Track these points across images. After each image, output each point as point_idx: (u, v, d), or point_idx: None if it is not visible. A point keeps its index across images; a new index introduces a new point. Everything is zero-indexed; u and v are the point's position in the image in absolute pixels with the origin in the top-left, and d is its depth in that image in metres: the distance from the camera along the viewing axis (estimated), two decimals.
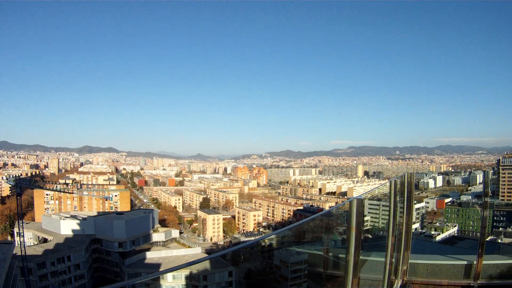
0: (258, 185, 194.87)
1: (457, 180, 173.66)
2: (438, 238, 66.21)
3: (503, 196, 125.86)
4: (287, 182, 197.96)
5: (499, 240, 68.11)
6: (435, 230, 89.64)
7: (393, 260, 5.48)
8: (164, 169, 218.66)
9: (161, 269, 42.08)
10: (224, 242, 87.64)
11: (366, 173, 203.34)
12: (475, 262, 5.70)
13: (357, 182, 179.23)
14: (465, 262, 5.83)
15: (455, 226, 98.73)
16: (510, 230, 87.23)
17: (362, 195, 4.07)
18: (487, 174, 6.05)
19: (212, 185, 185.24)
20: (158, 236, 67.70)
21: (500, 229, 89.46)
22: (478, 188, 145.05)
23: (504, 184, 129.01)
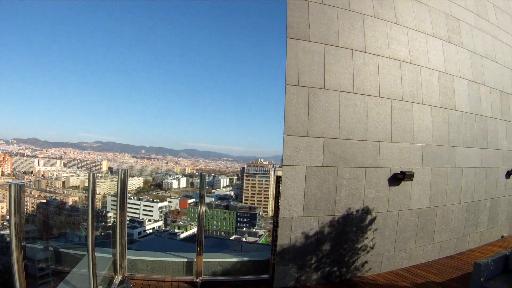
0: (3, 173, 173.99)
1: None
2: (182, 236, 65.99)
3: (247, 200, 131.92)
4: (32, 172, 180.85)
5: (244, 239, 70.40)
6: (179, 228, 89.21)
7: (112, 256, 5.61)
8: None
9: None
10: None
11: (110, 169, 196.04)
12: (195, 260, 5.88)
13: (101, 177, 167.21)
14: (186, 260, 6.00)
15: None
16: (253, 230, 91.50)
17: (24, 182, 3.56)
18: (203, 178, 6.21)
19: None
20: None
21: (244, 229, 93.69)
22: (222, 191, 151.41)
23: (248, 189, 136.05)
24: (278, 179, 5.91)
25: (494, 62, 9.19)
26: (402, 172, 6.63)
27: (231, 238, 70.55)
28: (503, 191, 9.43)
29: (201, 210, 6.06)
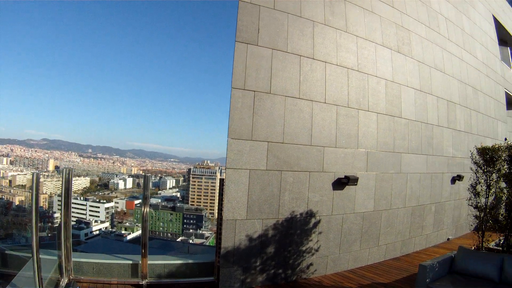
0: None
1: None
2: (129, 237, 66.64)
3: (193, 201, 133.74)
4: None
5: (191, 241, 70.94)
6: (126, 229, 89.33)
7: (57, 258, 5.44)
8: None
9: None
10: None
11: (57, 168, 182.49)
12: (140, 262, 5.77)
13: (47, 176, 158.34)
14: (131, 262, 5.88)
15: None
16: (200, 232, 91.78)
17: None
18: (147, 179, 6.08)
19: None
20: None
21: (191, 230, 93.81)
22: (168, 192, 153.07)
23: (194, 191, 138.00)
24: (221, 182, 5.89)
25: (442, 73, 9.52)
26: (346, 177, 6.74)
27: (178, 240, 69.86)
28: (448, 196, 9.76)
29: (145, 212, 5.93)
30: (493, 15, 14.09)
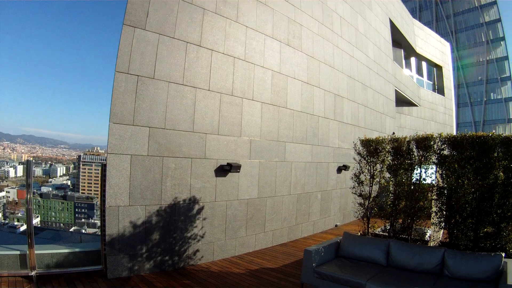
0: None
1: (38, 171, 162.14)
2: (22, 229, 66.45)
3: (84, 189, 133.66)
4: None
5: (83, 231, 73.50)
6: (18, 220, 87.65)
7: None
8: None
9: None
10: None
11: None
12: (28, 253, 5.68)
13: None
14: (19, 252, 5.77)
15: (37, 217, 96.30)
16: (92, 221, 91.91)
17: None
18: (30, 165, 5.92)
19: None
20: None
21: (83, 220, 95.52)
22: (59, 180, 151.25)
23: (85, 179, 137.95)
24: (103, 167, 6.04)
25: (331, 68, 10.64)
26: (228, 164, 7.33)
27: (71, 230, 67.46)
28: (334, 184, 11.00)
29: (28, 199, 5.87)
30: (390, 19, 15.91)
